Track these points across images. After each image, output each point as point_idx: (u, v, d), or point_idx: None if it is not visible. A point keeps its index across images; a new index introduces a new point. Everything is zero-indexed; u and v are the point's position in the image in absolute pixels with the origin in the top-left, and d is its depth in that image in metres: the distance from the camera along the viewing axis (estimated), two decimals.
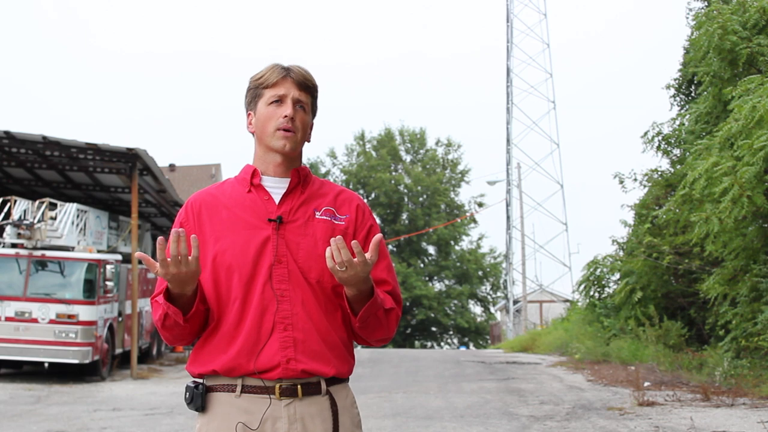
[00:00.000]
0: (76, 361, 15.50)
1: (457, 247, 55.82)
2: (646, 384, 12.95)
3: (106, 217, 19.47)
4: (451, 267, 54.61)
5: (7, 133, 16.80)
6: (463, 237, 56.21)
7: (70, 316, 15.52)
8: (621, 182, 19.76)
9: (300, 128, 2.57)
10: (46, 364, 16.13)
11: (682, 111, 17.97)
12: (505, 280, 43.78)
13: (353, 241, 2.34)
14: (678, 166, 17.84)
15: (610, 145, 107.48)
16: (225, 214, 2.55)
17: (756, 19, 13.22)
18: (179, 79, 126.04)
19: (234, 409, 2.46)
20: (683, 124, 16.99)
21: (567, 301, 35.98)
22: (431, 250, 56.60)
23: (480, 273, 55.38)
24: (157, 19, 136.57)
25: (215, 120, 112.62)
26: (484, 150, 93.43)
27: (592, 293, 22.19)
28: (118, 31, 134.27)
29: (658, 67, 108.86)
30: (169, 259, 2.34)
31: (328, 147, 65.58)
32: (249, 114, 2.63)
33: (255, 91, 2.60)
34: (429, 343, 54.76)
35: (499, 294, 55.17)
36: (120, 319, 17.75)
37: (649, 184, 19.59)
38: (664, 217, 15.48)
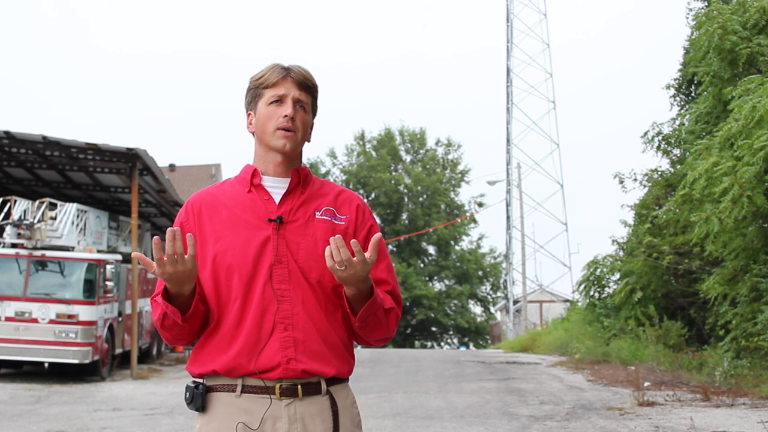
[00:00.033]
0: (76, 361, 15.50)
1: (457, 247, 55.83)
2: (646, 384, 12.95)
3: (106, 217, 19.47)
4: (451, 267, 54.62)
5: (7, 133, 16.80)
6: (463, 237, 56.25)
7: (70, 316, 15.52)
8: (621, 182, 19.77)
9: (300, 128, 2.57)
10: (46, 364, 16.13)
11: (682, 111, 17.97)
12: (505, 280, 43.79)
13: (352, 240, 2.34)
14: (678, 166, 17.84)
15: (610, 145, 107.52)
16: (225, 214, 2.55)
17: (756, 19, 13.22)
18: (179, 79, 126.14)
19: (234, 409, 2.46)
20: (683, 124, 17.00)
21: (567, 301, 35.98)
22: (431, 250, 56.62)
23: (480, 273, 55.39)
24: (157, 19, 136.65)
25: (215, 120, 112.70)
26: (484, 150, 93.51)
27: (592, 293, 22.19)
28: (118, 31, 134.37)
29: (658, 67, 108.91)
30: (165, 258, 2.34)
31: (328, 147, 65.72)
32: (249, 114, 2.63)
33: (255, 91, 2.60)
34: (429, 343, 54.77)
35: (499, 294, 55.19)
36: (120, 319, 17.75)
37: (649, 184, 19.59)
38: (664, 217, 15.48)
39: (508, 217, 41.03)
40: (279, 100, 2.56)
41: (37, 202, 16.94)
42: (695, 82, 17.79)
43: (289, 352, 2.44)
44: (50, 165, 18.62)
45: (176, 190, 21.86)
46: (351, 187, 52.93)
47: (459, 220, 54.21)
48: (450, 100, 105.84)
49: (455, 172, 56.91)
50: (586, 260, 27.13)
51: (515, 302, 39.57)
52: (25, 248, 15.92)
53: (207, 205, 2.58)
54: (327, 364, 2.49)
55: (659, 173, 19.38)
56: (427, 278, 54.93)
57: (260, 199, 2.56)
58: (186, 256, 2.35)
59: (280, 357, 2.44)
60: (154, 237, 2.34)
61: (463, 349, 47.50)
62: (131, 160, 17.54)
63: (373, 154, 56.18)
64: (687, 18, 19.42)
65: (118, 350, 17.84)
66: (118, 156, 17.43)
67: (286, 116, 2.54)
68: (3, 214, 16.61)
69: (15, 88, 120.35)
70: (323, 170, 55.95)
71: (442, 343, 55.26)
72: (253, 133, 2.64)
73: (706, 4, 17.29)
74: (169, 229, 2.34)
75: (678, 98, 19.28)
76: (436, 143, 57.65)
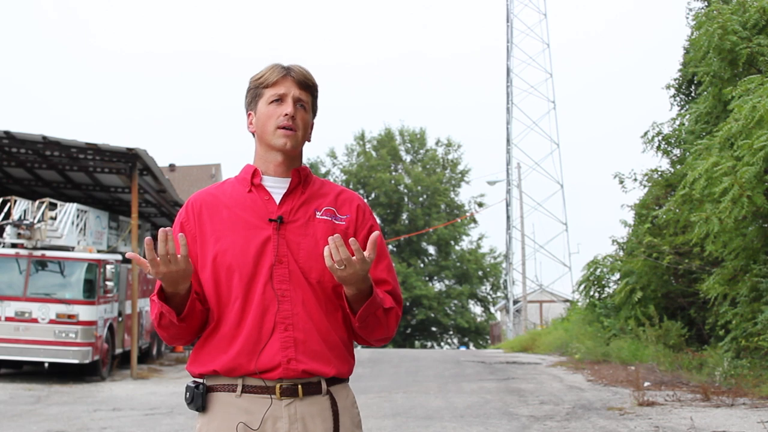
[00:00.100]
0: (76, 361, 15.50)
1: (457, 247, 55.83)
2: (646, 384, 12.95)
3: (106, 217, 19.47)
4: (451, 267, 54.62)
5: (7, 133, 16.80)
6: (463, 237, 56.25)
7: (70, 316, 15.52)
8: (621, 182, 19.77)
9: (301, 126, 2.57)
10: (46, 364, 16.13)
11: (682, 111, 17.97)
12: (505, 280, 43.79)
13: (351, 239, 2.34)
14: (678, 166, 17.84)
15: (610, 145, 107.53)
16: (225, 214, 2.55)
17: (756, 19, 13.22)
18: (179, 79, 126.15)
19: (234, 409, 2.46)
20: (683, 124, 17.00)
21: (567, 301, 35.98)
22: (431, 250, 56.63)
23: (480, 273, 55.40)
24: (157, 19, 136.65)
25: (215, 120, 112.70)
26: (484, 150, 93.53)
27: (592, 293, 22.19)
28: (118, 31, 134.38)
29: (658, 67, 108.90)
30: (158, 259, 2.34)
31: (328, 147, 65.74)
32: (249, 114, 2.63)
33: (255, 91, 2.60)
34: (429, 343, 54.77)
35: (499, 294, 55.20)
36: (120, 319, 17.75)
37: (649, 184, 19.59)
38: (664, 217, 15.48)
39: (508, 217, 41.04)
40: (279, 99, 2.56)
41: (37, 202, 16.94)
42: (695, 82, 17.79)
43: (290, 353, 2.44)
44: (50, 165, 18.62)
45: (176, 190, 21.86)
46: (351, 187, 52.95)
47: (459, 220, 54.21)
48: (450, 100, 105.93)
49: (455, 172, 56.92)
50: (586, 260, 27.15)
51: (515, 302, 39.57)
52: (25, 248, 15.92)
53: (207, 205, 2.58)
54: (327, 364, 2.49)
55: (659, 173, 19.38)
56: (427, 278, 54.93)
57: (261, 199, 2.56)
58: (179, 256, 2.35)
59: (280, 357, 2.44)
60: (146, 238, 2.34)
61: (463, 349, 47.50)
62: (131, 160, 17.54)
63: (373, 154, 56.19)
64: (687, 18, 19.43)
65: (118, 350, 17.84)
66: (118, 156, 17.43)
67: (286, 115, 2.54)
68: (3, 214, 16.61)
69: (15, 88, 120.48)
70: (323, 170, 55.95)
71: (442, 343, 55.27)
72: (253, 133, 2.64)
73: (706, 4, 17.29)
74: (160, 229, 2.34)
75: (678, 98, 19.28)
76: (436, 143, 57.70)
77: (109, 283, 16.42)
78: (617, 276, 20.92)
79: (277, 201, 2.55)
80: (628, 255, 19.74)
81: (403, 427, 9.46)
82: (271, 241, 2.50)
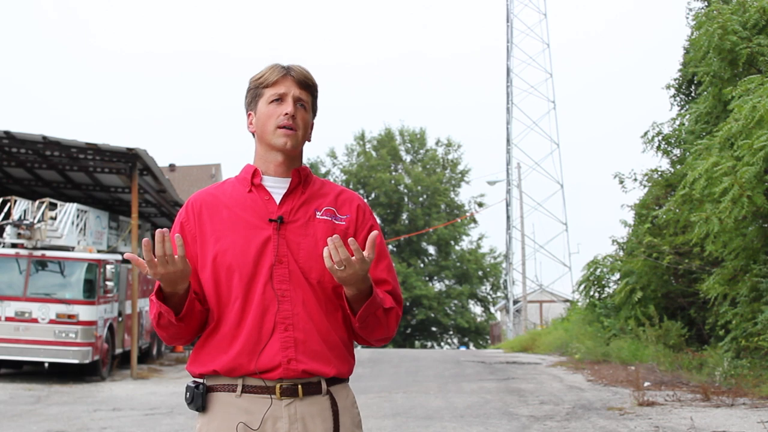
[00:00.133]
0: (76, 361, 15.50)
1: (457, 247, 55.84)
2: (646, 384, 12.95)
3: (106, 217, 19.47)
4: (451, 267, 54.62)
5: (7, 133, 16.80)
6: (463, 237, 56.26)
7: (70, 316, 15.52)
8: (621, 182, 19.77)
9: (301, 126, 2.57)
10: (46, 364, 16.13)
11: (682, 111, 17.97)
12: (505, 280, 43.79)
13: (350, 239, 2.33)
14: (678, 166, 17.84)
15: (610, 145, 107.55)
16: (226, 214, 2.55)
17: (756, 19, 13.22)
18: (179, 79, 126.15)
19: (234, 408, 2.46)
20: (683, 124, 17.00)
21: (567, 301, 35.98)
22: (431, 250, 56.63)
23: (480, 273, 55.40)
24: (157, 19, 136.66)
25: (215, 120, 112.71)
26: (484, 150, 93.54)
27: (592, 293, 22.19)
28: (118, 31, 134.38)
29: (658, 67, 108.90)
30: (156, 260, 2.34)
31: (328, 147, 65.75)
32: (249, 114, 2.63)
33: (255, 91, 2.60)
34: (429, 343, 54.78)
35: (499, 294, 55.20)
36: (120, 319, 17.75)
37: (649, 184, 19.59)
38: (664, 217, 15.48)
39: (508, 217, 41.04)
40: (279, 99, 2.56)
41: (37, 202, 16.94)
42: (695, 82, 17.79)
43: (290, 353, 2.44)
44: (50, 165, 18.62)
45: (176, 190, 21.86)
46: (351, 187, 52.96)
47: (459, 220, 54.22)
48: (450, 100, 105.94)
49: (455, 172, 56.93)
50: (586, 260, 27.15)
51: (515, 302, 39.57)
52: (25, 248, 15.92)
53: (207, 205, 2.58)
54: (327, 365, 2.49)
55: (659, 173, 19.38)
56: (427, 278, 54.94)
57: (261, 199, 2.56)
58: (176, 257, 2.35)
59: (280, 357, 2.44)
60: (144, 239, 2.35)
61: (463, 349, 47.50)
62: (131, 160, 17.54)
63: (373, 154, 56.19)
64: (687, 18, 19.43)
65: (118, 350, 17.84)
66: (118, 156, 17.43)
67: (286, 114, 2.54)
68: (3, 214, 16.61)
69: (15, 88, 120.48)
70: (323, 170, 55.96)
71: (442, 343, 55.27)
72: (253, 133, 2.63)
73: (706, 4, 17.29)
74: (157, 231, 2.35)
75: (678, 98, 19.28)
76: (436, 143, 57.71)
77: (109, 283, 16.42)
78: (617, 276, 20.92)
79: (278, 201, 2.55)
80: (628, 255, 19.74)
81: (403, 427, 9.46)
82: (271, 241, 2.50)
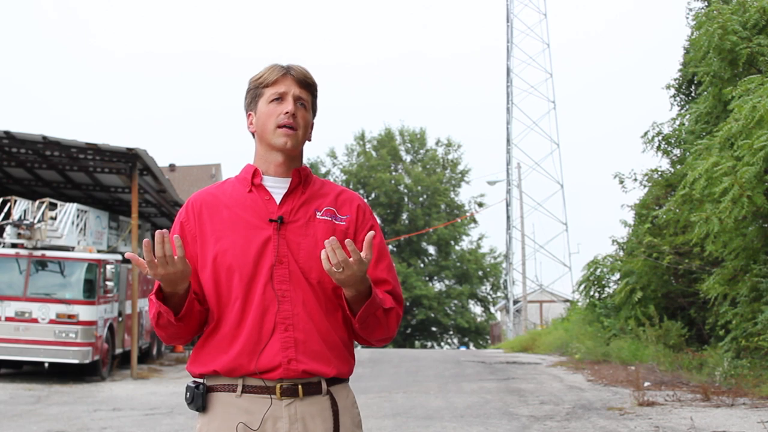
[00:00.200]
0: (76, 361, 15.50)
1: (457, 247, 55.84)
2: (646, 384, 12.95)
3: (106, 217, 19.47)
4: (451, 267, 54.62)
5: (7, 133, 16.80)
6: (463, 237, 56.27)
7: (70, 316, 15.52)
8: (621, 182, 19.77)
9: (301, 125, 2.56)
10: (46, 364, 16.13)
11: (682, 111, 17.97)
12: (505, 280, 43.79)
13: (347, 240, 2.33)
14: (678, 166, 17.84)
15: (610, 145, 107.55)
16: (226, 214, 2.55)
17: (756, 19, 13.22)
18: (179, 79, 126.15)
19: (235, 409, 2.46)
20: (683, 124, 17.00)
21: (567, 301, 35.98)
22: (431, 250, 56.64)
23: (480, 273, 55.40)
24: (157, 19, 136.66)
25: (215, 120, 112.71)
26: (484, 150, 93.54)
27: (592, 293, 22.19)
28: (118, 31, 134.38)
29: (658, 67, 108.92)
30: (156, 260, 2.35)
31: (328, 147, 65.71)
32: (249, 114, 2.63)
33: (255, 91, 2.60)
34: (429, 343, 54.78)
35: (499, 294, 55.20)
36: (120, 319, 17.75)
37: (649, 184, 19.59)
38: (664, 217, 15.48)
39: (508, 217, 41.04)
40: (279, 98, 2.56)
41: (37, 202, 16.93)
42: (695, 82, 17.79)
43: (290, 353, 2.44)
44: (50, 165, 18.62)
45: (176, 190, 21.86)
46: (351, 187, 52.96)
47: (459, 220, 54.22)
48: (450, 100, 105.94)
49: (455, 172, 56.93)
50: (586, 260, 27.16)
51: (515, 302, 39.57)
52: (25, 248, 15.92)
53: (207, 205, 2.58)
54: (327, 365, 2.49)
55: (659, 173, 19.38)
56: (427, 278, 54.94)
57: (261, 199, 2.55)
58: (175, 258, 2.35)
59: (280, 357, 2.44)
60: (144, 240, 2.35)
61: (463, 349, 47.50)
62: (131, 160, 17.54)
63: (373, 154, 56.19)
64: (687, 18, 19.44)
65: (118, 350, 17.84)
66: (118, 156, 17.43)
67: (287, 113, 2.53)
68: (3, 214, 16.61)
69: (15, 88, 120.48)
70: (323, 170, 55.96)
71: (442, 343, 55.27)
72: (253, 134, 2.63)
73: (706, 4, 17.29)
74: (157, 231, 2.35)
75: (678, 98, 19.29)
76: (436, 143, 57.72)
77: (109, 283, 16.42)
78: (617, 276, 20.92)
79: (278, 201, 2.55)
80: (628, 255, 19.74)
81: (403, 427, 9.46)
82: (271, 242, 2.49)
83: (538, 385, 14.22)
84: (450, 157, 57.25)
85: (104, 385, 15.51)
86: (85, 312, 15.67)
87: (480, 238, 56.56)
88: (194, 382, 2.53)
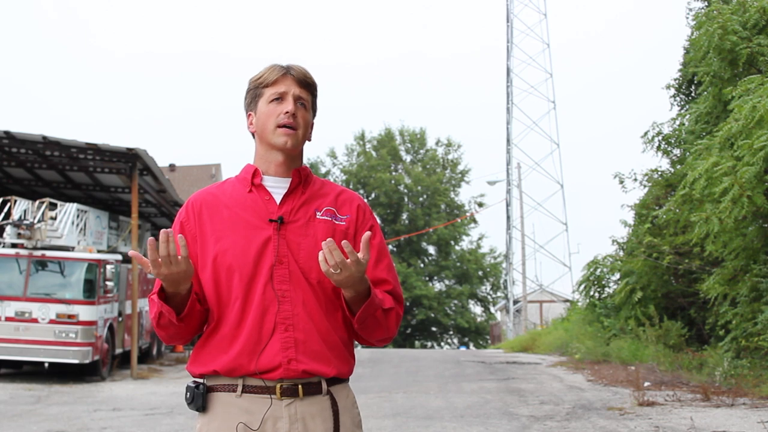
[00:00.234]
0: (76, 361, 15.50)
1: (457, 247, 55.84)
2: (646, 384, 12.95)
3: (106, 217, 19.47)
4: (451, 267, 54.62)
5: (7, 133, 16.80)
6: (463, 237, 56.27)
7: (70, 316, 15.52)
8: (621, 182, 19.77)
9: (302, 125, 2.56)
10: (46, 364, 16.13)
11: (682, 111, 17.97)
12: (505, 280, 43.79)
13: (343, 242, 2.33)
14: (678, 166, 17.84)
15: (610, 145, 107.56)
16: (226, 214, 2.55)
17: (756, 19, 13.22)
18: (179, 79, 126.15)
19: (235, 409, 2.46)
20: (683, 124, 17.00)
21: (567, 301, 35.98)
22: (431, 250, 56.64)
23: (480, 273, 55.40)
24: (157, 19, 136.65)
25: (215, 120, 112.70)
26: (484, 150, 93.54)
27: (592, 293, 22.19)
28: (118, 31, 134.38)
29: (658, 67, 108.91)
30: (160, 260, 2.34)
31: (328, 147, 65.75)
32: (249, 114, 2.63)
33: (255, 91, 2.60)
34: (429, 343, 54.78)
35: (499, 294, 55.20)
36: (120, 319, 17.75)
37: (649, 184, 19.59)
38: (664, 217, 15.48)
39: (508, 217, 41.04)
40: (279, 98, 2.56)
41: (37, 202, 16.93)
42: (695, 82, 17.79)
43: (290, 353, 2.44)
44: (50, 165, 18.62)
45: (176, 190, 21.86)
46: (351, 187, 52.96)
47: (459, 220, 54.22)
48: (450, 100, 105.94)
49: (455, 172, 56.93)
50: (586, 260, 27.16)
51: (515, 302, 39.57)
52: (25, 248, 15.92)
53: (207, 205, 2.58)
54: (328, 365, 2.49)
55: (659, 173, 19.38)
56: (427, 278, 54.94)
57: (261, 199, 2.55)
58: (179, 257, 2.35)
59: (281, 357, 2.44)
60: (149, 238, 2.34)
61: (463, 349, 47.50)
62: (131, 160, 17.54)
63: (373, 154, 56.19)
64: (687, 18, 19.44)
65: (118, 350, 17.84)
66: (118, 156, 17.43)
67: (287, 112, 2.53)
68: (3, 214, 16.61)
69: (15, 88, 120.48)
70: (323, 170, 55.96)
71: (442, 343, 55.27)
72: (253, 134, 2.63)
73: (706, 4, 17.29)
74: (162, 231, 2.35)
75: (678, 98, 19.29)
76: (436, 143, 57.71)
77: (109, 283, 16.42)
78: (617, 276, 20.92)
79: (278, 201, 2.55)
80: (628, 255, 19.74)
81: (403, 427, 9.46)
82: (271, 242, 2.49)
83: (538, 385, 14.22)
84: (450, 157, 57.28)
85: (104, 385, 15.51)
86: (85, 312, 15.67)
87: (480, 238, 56.61)
88: (194, 382, 2.53)
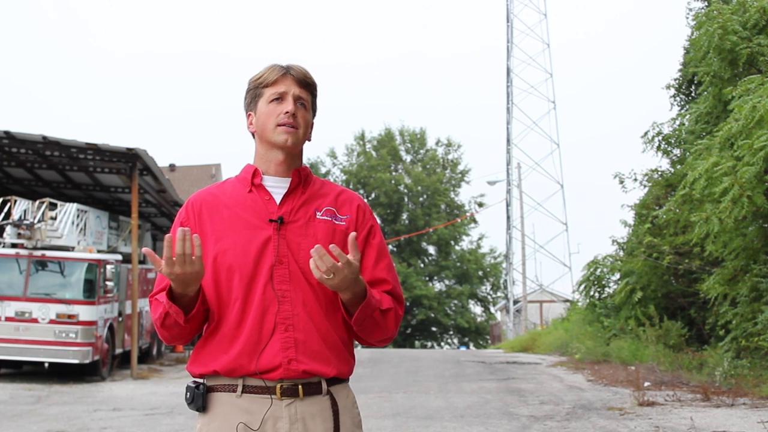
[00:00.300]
0: (76, 361, 15.50)
1: (457, 247, 55.83)
2: (646, 384, 12.95)
3: (106, 217, 19.46)
4: (451, 267, 54.62)
5: (7, 133, 16.80)
6: (463, 237, 56.25)
7: (70, 316, 15.52)
8: (621, 182, 19.77)
9: (301, 124, 2.57)
10: (46, 364, 16.13)
11: (682, 111, 17.97)
12: (505, 280, 43.78)
13: (331, 245, 2.33)
14: (678, 166, 17.84)
15: (610, 145, 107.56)
16: (226, 214, 2.55)
17: (756, 19, 13.22)
18: (179, 79, 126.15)
19: (235, 409, 2.46)
20: (683, 124, 17.00)
21: (567, 301, 35.98)
22: (431, 250, 56.63)
23: (480, 273, 55.39)
24: (157, 19, 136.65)
25: (215, 120, 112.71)
26: (484, 150, 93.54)
27: (592, 293, 22.19)
28: (118, 31, 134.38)
29: (658, 67, 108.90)
30: (174, 258, 2.33)
31: (328, 147, 65.67)
32: (249, 115, 2.63)
33: (255, 91, 2.60)
34: (429, 343, 54.77)
35: (499, 294, 55.20)
36: (120, 319, 17.75)
37: (649, 184, 19.59)
38: (664, 217, 15.48)
39: (508, 217, 41.04)
40: (279, 98, 2.56)
41: (37, 202, 16.93)
42: (695, 82, 17.79)
43: (290, 353, 2.44)
44: (50, 165, 18.61)
45: (176, 190, 21.86)
46: (351, 187, 52.95)
47: (459, 220, 54.21)
48: (450, 100, 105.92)
49: (455, 172, 56.92)
50: (586, 260, 27.16)
51: (515, 302, 39.57)
52: (25, 248, 15.92)
53: (207, 205, 2.58)
54: (328, 365, 2.49)
55: (659, 173, 19.38)
56: (427, 278, 54.93)
57: (261, 199, 2.55)
58: (194, 257, 2.34)
59: (281, 358, 2.44)
60: (166, 235, 2.32)
61: (463, 349, 47.50)
62: (131, 160, 17.54)
63: (373, 154, 56.18)
64: (687, 18, 19.44)
65: (118, 350, 17.84)
66: (118, 156, 17.43)
67: (287, 112, 2.54)
68: (3, 214, 16.60)
69: (15, 88, 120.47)
70: (323, 170, 55.95)
71: (442, 343, 55.26)
72: (253, 134, 2.63)
73: (706, 4, 17.29)
74: (179, 228, 2.33)
75: (678, 98, 19.28)
76: (436, 143, 57.70)
77: (109, 283, 16.42)
78: (617, 276, 20.92)
79: (278, 201, 2.55)
80: (628, 255, 19.74)
81: (403, 427, 9.46)
82: (271, 242, 2.49)
83: (538, 385, 14.22)
84: (450, 157, 57.27)
85: (104, 385, 15.51)
86: (85, 312, 15.67)
87: (480, 238, 56.60)
88: (194, 382, 2.53)
